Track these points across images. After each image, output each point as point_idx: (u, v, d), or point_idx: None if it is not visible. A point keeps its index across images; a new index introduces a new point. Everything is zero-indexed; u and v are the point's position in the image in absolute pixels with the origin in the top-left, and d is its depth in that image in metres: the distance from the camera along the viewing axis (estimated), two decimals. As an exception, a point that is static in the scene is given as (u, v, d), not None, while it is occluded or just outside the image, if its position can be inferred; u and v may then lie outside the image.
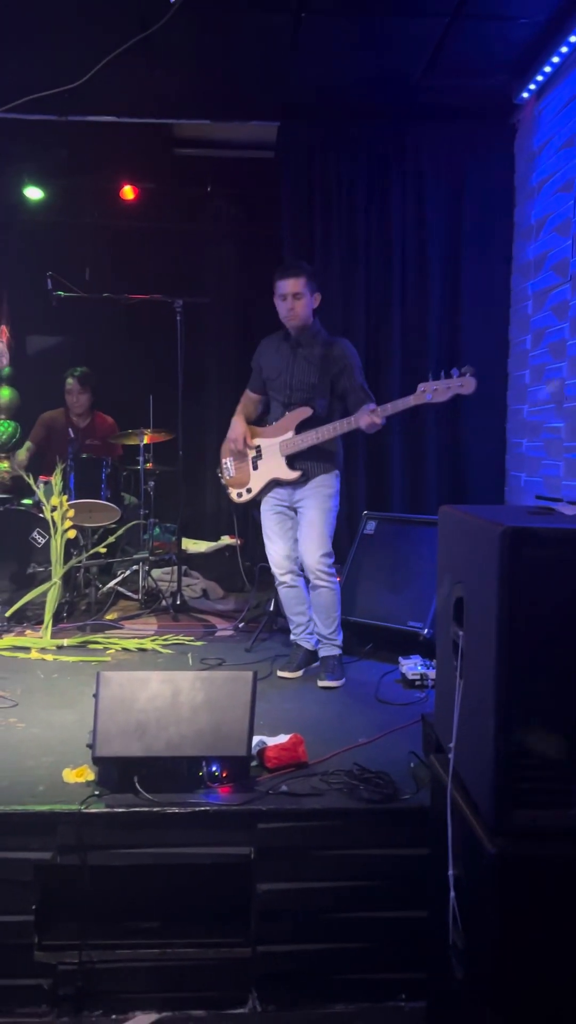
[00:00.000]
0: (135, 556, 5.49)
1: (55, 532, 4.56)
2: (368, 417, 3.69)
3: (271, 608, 4.76)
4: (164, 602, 5.22)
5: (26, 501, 5.10)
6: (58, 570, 4.57)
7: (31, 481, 4.87)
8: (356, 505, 5.25)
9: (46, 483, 4.91)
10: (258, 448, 4.02)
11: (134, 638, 4.55)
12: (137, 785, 2.53)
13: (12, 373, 6.51)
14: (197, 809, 2.50)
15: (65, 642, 4.42)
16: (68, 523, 4.57)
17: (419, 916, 2.38)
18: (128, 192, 6.24)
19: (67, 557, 4.67)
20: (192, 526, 6.37)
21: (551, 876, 1.76)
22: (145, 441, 5.39)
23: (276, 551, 4.03)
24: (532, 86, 4.86)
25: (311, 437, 3.82)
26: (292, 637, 4.11)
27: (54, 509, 4.56)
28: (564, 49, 4.42)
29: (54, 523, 4.56)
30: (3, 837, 2.46)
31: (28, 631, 4.65)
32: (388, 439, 5.33)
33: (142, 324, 6.14)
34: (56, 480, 4.72)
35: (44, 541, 4.84)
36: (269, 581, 5.15)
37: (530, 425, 4.99)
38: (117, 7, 4.15)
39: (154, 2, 4.05)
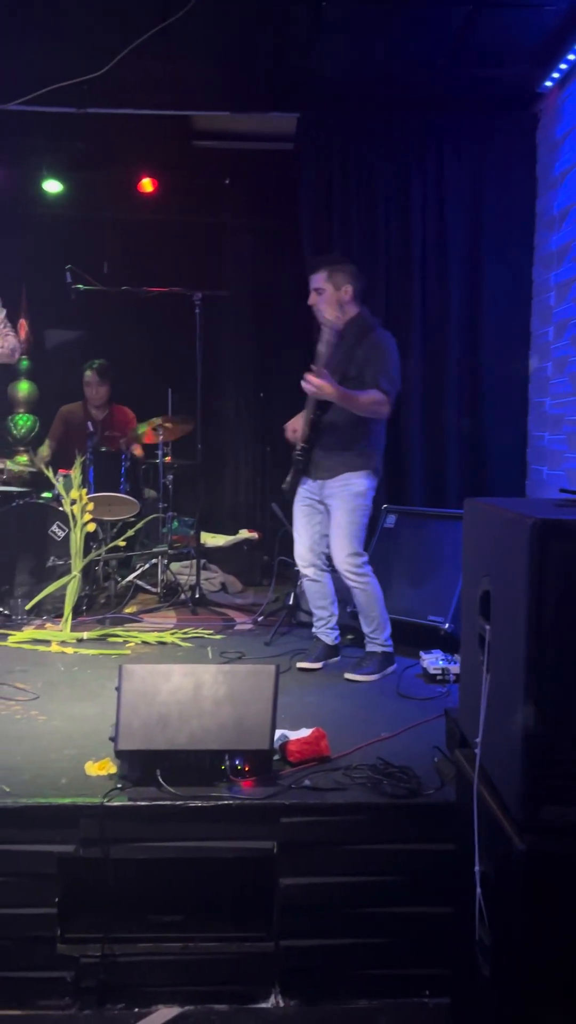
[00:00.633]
0: (154, 550, 5.49)
1: (74, 525, 4.56)
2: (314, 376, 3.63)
3: (290, 602, 4.76)
4: (183, 595, 5.22)
5: (46, 495, 5.11)
6: (78, 563, 4.57)
7: (50, 475, 4.88)
8: (376, 499, 5.20)
9: (65, 476, 4.91)
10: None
11: (153, 631, 4.55)
12: (160, 778, 2.52)
13: (30, 366, 6.52)
14: (220, 803, 2.49)
15: (85, 635, 4.42)
16: (87, 516, 4.57)
17: (443, 912, 2.36)
18: (147, 185, 6.22)
19: (86, 550, 4.67)
20: (210, 520, 6.36)
21: (581, 873, 1.74)
22: (163, 427, 5.39)
23: (299, 543, 4.02)
24: (556, 75, 4.80)
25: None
26: (313, 630, 4.09)
27: (73, 503, 4.56)
28: (588, 37, 4.38)
29: (73, 516, 4.56)
30: (26, 830, 2.46)
31: (48, 624, 4.66)
32: (408, 432, 5.30)
33: (160, 317, 6.12)
34: (75, 473, 4.73)
35: (63, 534, 4.85)
36: (288, 575, 5.16)
37: (552, 418, 4.95)
38: (137, -3, 4.14)
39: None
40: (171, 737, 2.56)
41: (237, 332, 6.85)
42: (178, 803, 2.48)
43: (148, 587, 5.43)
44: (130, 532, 5.09)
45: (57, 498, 4.87)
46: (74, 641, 4.35)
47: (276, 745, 2.72)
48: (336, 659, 4.02)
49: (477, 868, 1.94)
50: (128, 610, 5.01)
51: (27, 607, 4.72)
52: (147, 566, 5.51)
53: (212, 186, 6.42)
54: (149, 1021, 2.37)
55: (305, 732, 2.85)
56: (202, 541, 5.44)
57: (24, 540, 4.92)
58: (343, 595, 4.08)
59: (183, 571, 5.51)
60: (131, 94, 5.14)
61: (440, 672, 3.78)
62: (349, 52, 4.73)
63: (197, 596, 5.12)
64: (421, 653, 3.95)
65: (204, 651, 4.24)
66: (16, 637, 4.39)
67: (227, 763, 2.59)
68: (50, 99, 4.83)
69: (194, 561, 5.27)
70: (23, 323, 6.36)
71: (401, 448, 5.35)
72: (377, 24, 4.44)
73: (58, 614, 4.63)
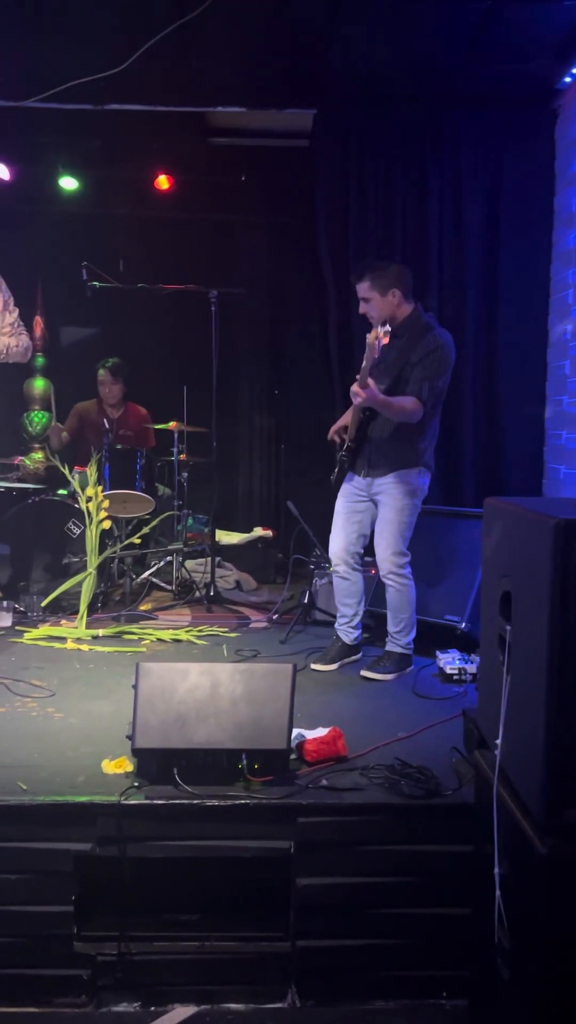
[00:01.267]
0: (169, 547, 5.49)
1: (90, 522, 4.56)
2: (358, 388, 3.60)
3: (305, 600, 4.75)
4: (198, 593, 5.22)
5: (61, 492, 5.12)
6: (93, 560, 4.58)
7: (66, 471, 4.89)
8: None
9: (81, 473, 4.92)
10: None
11: (168, 629, 4.55)
12: (176, 777, 2.52)
13: (46, 364, 6.53)
14: (237, 802, 2.48)
15: (100, 632, 4.43)
16: (103, 513, 4.57)
17: (461, 914, 2.35)
18: (163, 182, 6.21)
19: (102, 548, 4.68)
20: (224, 517, 6.36)
21: (604, 877, 1.72)
22: (175, 429, 5.40)
23: (335, 541, 3.98)
24: (575, 70, 4.76)
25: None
26: (336, 626, 4.07)
27: (89, 499, 4.57)
28: (608, 32, 4.34)
29: (89, 513, 4.56)
30: (43, 828, 2.46)
31: (63, 621, 4.67)
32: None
33: (176, 315, 6.12)
34: (91, 471, 4.73)
35: (79, 531, 4.85)
36: (303, 573, 5.15)
37: (570, 417, 4.91)
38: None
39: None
40: (188, 736, 2.56)
41: (252, 329, 6.84)
42: (195, 802, 2.47)
43: (163, 584, 5.43)
44: (145, 529, 5.09)
45: (73, 495, 4.88)
46: (89, 638, 4.35)
47: (293, 744, 2.71)
48: (357, 657, 4.01)
49: (497, 870, 1.93)
50: (143, 607, 5.01)
51: (43, 604, 4.72)
52: (162, 563, 5.51)
53: (228, 183, 6.40)
54: (165, 1020, 2.37)
55: (322, 731, 2.84)
56: (217, 539, 5.44)
57: (40, 537, 4.93)
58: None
59: (198, 569, 5.51)
60: (148, 91, 5.13)
61: (457, 672, 3.76)
62: (366, 47, 4.71)
63: (212, 594, 5.12)
64: (437, 652, 3.93)
65: (219, 649, 4.23)
66: (32, 634, 4.40)
67: (244, 762, 2.58)
68: (67, 96, 4.83)
69: (209, 559, 5.27)
70: (38, 320, 6.37)
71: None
72: (395, 19, 4.41)
73: (73, 611, 4.63)
